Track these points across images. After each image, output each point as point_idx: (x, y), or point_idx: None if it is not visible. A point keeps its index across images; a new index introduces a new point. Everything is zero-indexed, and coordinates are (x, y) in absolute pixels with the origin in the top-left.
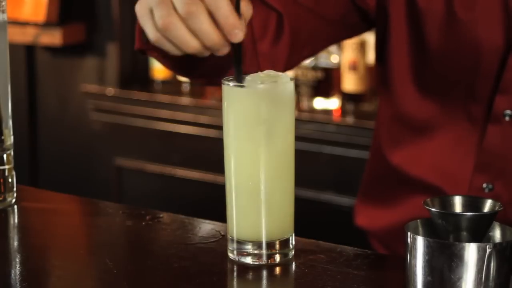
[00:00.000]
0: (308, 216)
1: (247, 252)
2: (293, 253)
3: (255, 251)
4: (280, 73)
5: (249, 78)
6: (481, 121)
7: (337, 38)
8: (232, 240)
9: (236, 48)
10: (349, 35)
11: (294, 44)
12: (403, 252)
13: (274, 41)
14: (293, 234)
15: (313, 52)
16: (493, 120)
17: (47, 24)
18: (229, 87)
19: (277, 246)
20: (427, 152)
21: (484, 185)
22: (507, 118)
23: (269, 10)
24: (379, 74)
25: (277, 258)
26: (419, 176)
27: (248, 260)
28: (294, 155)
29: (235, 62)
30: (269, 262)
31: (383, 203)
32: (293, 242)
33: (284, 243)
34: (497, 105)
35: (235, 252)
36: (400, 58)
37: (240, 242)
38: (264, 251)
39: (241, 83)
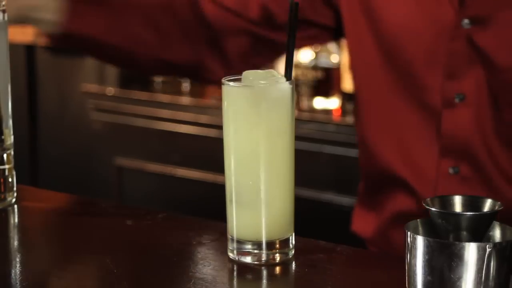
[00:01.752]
0: (308, 216)
1: (247, 251)
2: (293, 252)
3: (255, 251)
4: (274, 71)
5: (249, 77)
6: (437, 108)
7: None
8: (232, 239)
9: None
10: (308, 44)
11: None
12: (401, 252)
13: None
14: (293, 234)
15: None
16: (446, 106)
17: None
18: (229, 87)
19: (277, 245)
20: (394, 145)
21: (451, 169)
22: (457, 100)
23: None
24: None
25: (277, 257)
26: (392, 171)
27: (248, 259)
28: (294, 154)
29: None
30: (269, 261)
31: (371, 209)
32: (293, 242)
33: (284, 242)
34: (447, 91)
35: (235, 251)
36: (358, 57)
37: (240, 242)
38: (264, 251)
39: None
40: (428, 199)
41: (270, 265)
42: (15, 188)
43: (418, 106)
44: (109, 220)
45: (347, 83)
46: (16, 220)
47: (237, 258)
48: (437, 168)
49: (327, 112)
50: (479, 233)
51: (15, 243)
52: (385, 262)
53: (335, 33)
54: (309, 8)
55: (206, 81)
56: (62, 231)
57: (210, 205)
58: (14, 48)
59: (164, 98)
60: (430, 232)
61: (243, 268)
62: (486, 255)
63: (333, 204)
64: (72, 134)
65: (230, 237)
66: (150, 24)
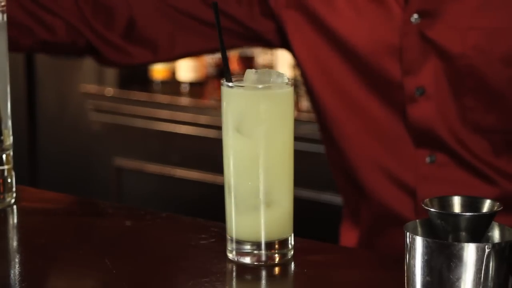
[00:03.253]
0: (307, 216)
1: (246, 252)
2: (292, 253)
3: (254, 251)
4: (279, 72)
5: (249, 78)
6: (401, 103)
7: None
8: (231, 240)
9: (221, 46)
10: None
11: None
12: (397, 252)
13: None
14: (293, 234)
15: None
16: (408, 100)
17: None
18: (228, 88)
19: (276, 246)
20: (371, 148)
21: (428, 158)
22: (418, 94)
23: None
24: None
25: (276, 258)
26: (370, 182)
27: (247, 260)
28: (293, 155)
29: (223, 62)
30: (268, 262)
31: (352, 223)
32: (293, 242)
33: (283, 243)
34: (407, 86)
35: (234, 252)
36: (315, 67)
37: (239, 242)
38: (263, 251)
39: (230, 81)
40: (427, 199)
41: (269, 265)
42: (14, 189)
43: (386, 102)
44: (108, 220)
45: None
46: (15, 220)
47: (236, 259)
48: (415, 158)
49: None
50: (478, 234)
51: (14, 243)
52: (384, 263)
53: (278, 43)
54: (246, 14)
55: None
56: (61, 231)
57: (209, 205)
58: None
59: (163, 98)
60: (429, 232)
61: (242, 269)
62: (485, 255)
63: (332, 204)
64: (71, 135)
65: (229, 237)
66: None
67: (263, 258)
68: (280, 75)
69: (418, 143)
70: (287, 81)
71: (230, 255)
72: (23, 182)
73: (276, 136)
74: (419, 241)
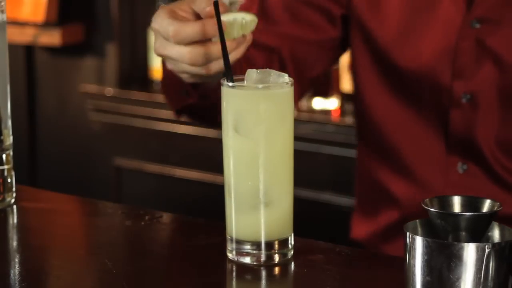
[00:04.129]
0: (307, 216)
1: (246, 252)
2: (292, 253)
3: (254, 251)
4: (279, 72)
5: (249, 78)
6: (445, 107)
7: (336, 57)
8: (231, 240)
9: (223, 47)
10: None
11: (297, 73)
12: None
13: None
14: (292, 234)
15: (315, 77)
16: (454, 105)
17: (46, 24)
18: (228, 88)
19: (276, 246)
20: (401, 150)
21: (459, 167)
22: (464, 101)
23: (270, 51)
24: (354, 90)
25: (276, 258)
26: (395, 182)
27: (247, 260)
28: (293, 155)
29: (224, 61)
30: (268, 262)
31: (368, 214)
32: (293, 242)
33: (283, 243)
34: (455, 90)
35: (234, 252)
36: (365, 67)
37: (239, 242)
38: (263, 251)
39: (232, 81)
40: (427, 199)
41: (269, 265)
42: (14, 189)
43: (425, 105)
44: (107, 220)
45: (346, 84)
46: (15, 220)
47: (236, 259)
48: (446, 165)
49: (326, 112)
50: (478, 234)
51: (14, 243)
52: (384, 263)
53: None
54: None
55: None
56: (61, 231)
57: (209, 205)
58: (13, 48)
59: (163, 98)
60: (429, 232)
61: (242, 269)
62: (485, 255)
63: (332, 204)
64: (71, 135)
65: (229, 237)
66: None
67: (263, 258)
68: (280, 74)
69: (451, 150)
70: (287, 80)
71: (230, 255)
72: (23, 182)
73: (276, 136)
74: (419, 241)
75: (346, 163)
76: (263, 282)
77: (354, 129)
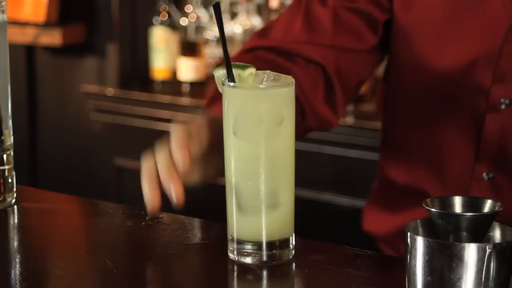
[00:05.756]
0: (308, 216)
1: (247, 252)
2: (293, 253)
3: (255, 251)
4: (280, 74)
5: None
6: (481, 111)
7: (379, 61)
8: (232, 240)
9: (225, 49)
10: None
11: (342, 84)
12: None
13: (326, 92)
14: (294, 234)
15: (360, 83)
16: (491, 109)
17: (47, 24)
18: (229, 88)
19: (277, 246)
20: (426, 147)
21: (485, 175)
22: (503, 107)
23: (315, 66)
24: (384, 91)
25: (277, 258)
26: (421, 182)
27: (248, 260)
28: (294, 155)
29: (225, 62)
30: (269, 262)
31: (390, 209)
32: (293, 242)
33: (284, 243)
34: (494, 94)
35: (235, 252)
36: (401, 68)
37: (240, 242)
38: (264, 251)
39: (233, 81)
40: (428, 199)
41: (270, 265)
42: (15, 189)
43: (460, 108)
44: (108, 220)
45: None
46: (16, 220)
47: (237, 259)
48: (472, 172)
49: None
50: (479, 234)
51: (15, 243)
52: (385, 263)
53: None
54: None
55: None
56: (61, 231)
57: (210, 205)
58: (14, 48)
59: (164, 98)
60: (430, 232)
61: (243, 269)
62: (486, 255)
63: (333, 204)
64: (72, 135)
65: (230, 237)
66: None
67: (264, 258)
68: (281, 75)
69: (481, 156)
70: (289, 81)
71: (231, 255)
72: (24, 182)
73: (277, 136)
74: (420, 241)
75: (347, 163)
76: (264, 282)
77: (355, 129)
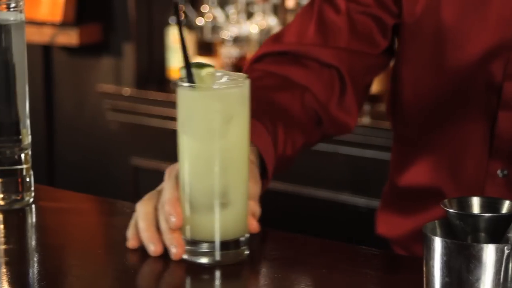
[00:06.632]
0: (323, 216)
1: (201, 252)
2: (248, 252)
3: (210, 251)
4: (236, 73)
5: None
6: (493, 108)
7: (387, 64)
8: (186, 240)
9: (184, 49)
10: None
11: (355, 88)
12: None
13: (341, 95)
14: (248, 234)
15: (368, 87)
16: (503, 107)
17: (64, 24)
18: (182, 88)
19: (232, 245)
20: (438, 146)
21: (499, 172)
22: None
23: (329, 70)
24: (393, 92)
25: (232, 257)
26: (435, 183)
27: (203, 260)
28: (248, 154)
29: (185, 63)
30: (224, 262)
31: (403, 212)
32: (247, 241)
33: (239, 242)
34: (506, 91)
35: (189, 252)
36: (413, 67)
37: (194, 242)
38: (218, 251)
39: (190, 82)
40: (446, 200)
41: (225, 265)
42: (32, 188)
43: (472, 105)
44: (125, 220)
45: None
46: (34, 219)
47: (191, 259)
48: (486, 169)
49: None
50: (498, 235)
51: (33, 242)
52: (402, 263)
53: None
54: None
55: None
56: (79, 230)
57: None
58: (30, 48)
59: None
60: (448, 233)
61: (198, 269)
62: (505, 256)
63: (349, 204)
64: (88, 134)
65: (184, 238)
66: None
67: (219, 258)
68: (234, 75)
69: (494, 153)
70: (242, 80)
71: (185, 256)
72: (41, 181)
73: (230, 135)
74: (438, 242)
75: (363, 164)
76: (219, 282)
77: (372, 130)
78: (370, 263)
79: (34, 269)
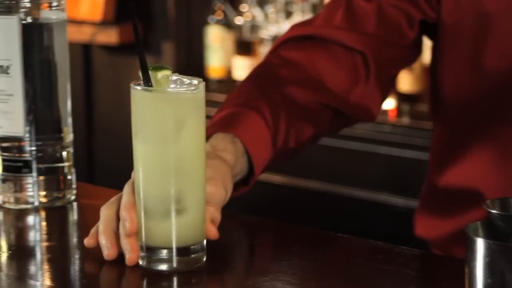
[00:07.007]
0: (363, 216)
1: (158, 259)
2: (205, 258)
3: (167, 258)
4: (191, 77)
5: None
6: None
7: (414, 58)
8: (142, 247)
9: (141, 53)
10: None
11: (379, 76)
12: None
13: (366, 80)
14: (205, 239)
15: (393, 78)
16: None
17: (104, 23)
18: (136, 91)
19: (189, 251)
20: (486, 152)
21: None
22: None
23: (353, 54)
24: (433, 93)
25: (189, 264)
26: (476, 184)
27: (160, 267)
28: (204, 159)
29: (140, 64)
30: (181, 268)
31: (442, 214)
32: (205, 247)
33: (196, 248)
34: None
35: (145, 259)
36: (453, 68)
37: (150, 249)
38: (175, 257)
39: (146, 85)
40: (489, 201)
41: (182, 272)
42: (74, 186)
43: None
44: None
45: (403, 84)
46: (75, 217)
47: (148, 266)
48: None
49: (383, 112)
50: None
51: (74, 240)
52: (442, 264)
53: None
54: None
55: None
56: None
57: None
58: (71, 46)
59: (220, 97)
60: (491, 234)
61: (155, 276)
62: None
63: (388, 205)
64: (128, 132)
65: (139, 244)
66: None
67: (176, 265)
68: (191, 79)
69: None
70: (197, 83)
71: (141, 262)
72: (81, 179)
73: (186, 139)
74: (480, 243)
75: (403, 164)
76: None
77: (411, 130)
78: (411, 263)
79: (75, 266)
